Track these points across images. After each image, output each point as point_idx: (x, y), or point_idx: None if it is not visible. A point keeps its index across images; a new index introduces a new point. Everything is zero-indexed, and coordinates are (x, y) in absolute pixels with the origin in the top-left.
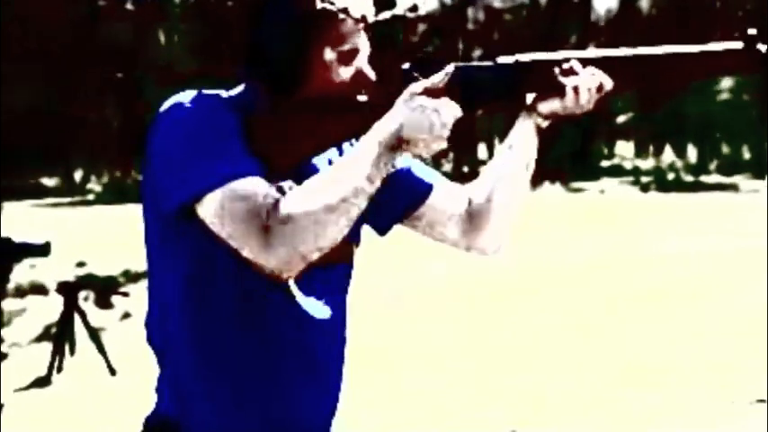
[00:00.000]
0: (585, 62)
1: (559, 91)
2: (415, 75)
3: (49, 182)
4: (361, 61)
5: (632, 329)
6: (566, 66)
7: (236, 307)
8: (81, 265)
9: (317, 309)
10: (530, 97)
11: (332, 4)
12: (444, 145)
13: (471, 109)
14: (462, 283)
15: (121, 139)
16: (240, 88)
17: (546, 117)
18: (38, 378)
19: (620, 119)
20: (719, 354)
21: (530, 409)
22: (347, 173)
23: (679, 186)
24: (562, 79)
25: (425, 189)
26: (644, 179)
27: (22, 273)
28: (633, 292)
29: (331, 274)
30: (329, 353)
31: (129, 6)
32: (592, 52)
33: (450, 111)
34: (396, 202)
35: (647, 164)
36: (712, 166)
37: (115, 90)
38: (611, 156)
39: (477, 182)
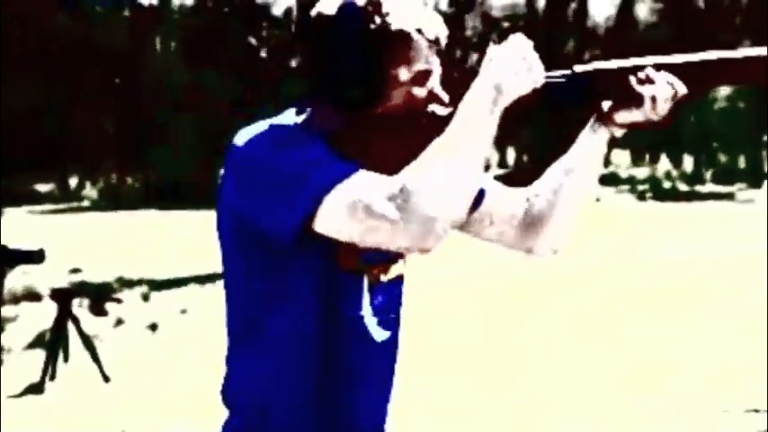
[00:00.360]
0: (657, 68)
1: (637, 100)
2: None
3: (44, 188)
4: (434, 82)
5: (632, 332)
6: (642, 74)
7: (316, 324)
8: (75, 271)
9: (382, 326)
10: (605, 105)
11: (407, 24)
12: (540, 79)
13: (551, 113)
14: (470, 286)
15: (117, 145)
16: (307, 111)
17: (621, 126)
18: (31, 385)
19: None
20: (718, 356)
21: (531, 414)
22: (465, 139)
23: (675, 195)
24: (639, 88)
25: (478, 195)
26: (640, 188)
27: (15, 279)
28: (632, 295)
29: (394, 289)
30: (389, 366)
31: (126, 13)
32: (665, 58)
33: (528, 48)
34: None
35: (643, 172)
36: (708, 175)
37: (112, 96)
38: (607, 164)
39: (539, 184)
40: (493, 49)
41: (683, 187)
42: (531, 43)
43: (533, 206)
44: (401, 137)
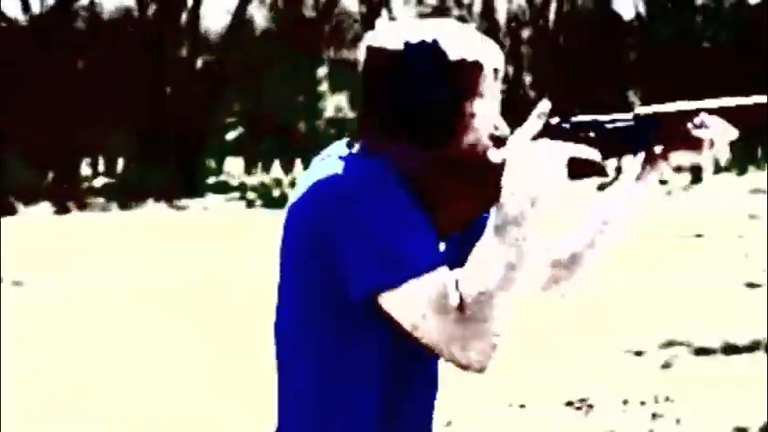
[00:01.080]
0: (710, 112)
1: (695, 144)
2: (565, 126)
3: None
4: (496, 112)
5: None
6: (698, 119)
7: (382, 387)
8: None
9: (432, 365)
10: (657, 148)
11: (476, 55)
12: (564, 187)
13: (606, 158)
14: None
15: None
16: (378, 152)
17: (675, 169)
18: None
19: (230, 135)
20: None
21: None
22: (504, 247)
23: (284, 202)
24: (698, 132)
25: None
26: (250, 195)
27: None
28: (236, 309)
29: None
30: (433, 399)
31: None
32: (717, 102)
33: (564, 151)
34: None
35: (256, 180)
36: None
37: None
38: (219, 172)
39: (578, 230)
40: (516, 149)
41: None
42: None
43: (569, 249)
44: (473, 180)
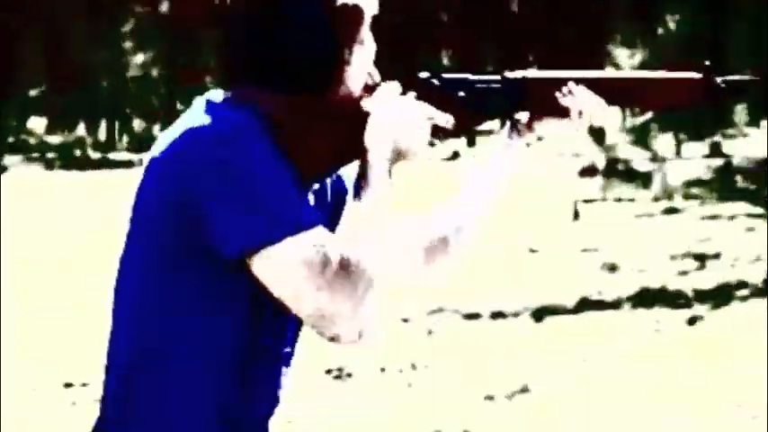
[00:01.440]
0: (581, 82)
1: (563, 113)
2: (434, 82)
3: None
4: (371, 61)
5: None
6: (567, 87)
7: (235, 355)
8: None
9: (288, 347)
10: (523, 115)
11: (359, 1)
12: (426, 149)
13: (473, 121)
14: None
15: None
16: (247, 95)
17: (540, 138)
18: None
19: (33, 92)
20: None
21: None
22: (381, 206)
23: (86, 163)
24: (566, 101)
25: None
26: (50, 155)
27: None
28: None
29: (292, 327)
30: (282, 381)
31: None
32: (594, 73)
33: (426, 112)
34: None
35: (58, 140)
36: (123, 143)
37: None
38: (21, 132)
39: (444, 204)
40: (375, 107)
41: (95, 155)
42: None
43: (438, 228)
44: (337, 130)
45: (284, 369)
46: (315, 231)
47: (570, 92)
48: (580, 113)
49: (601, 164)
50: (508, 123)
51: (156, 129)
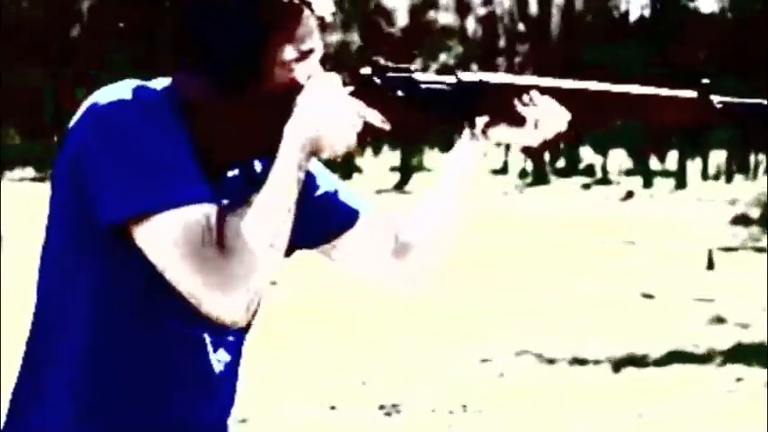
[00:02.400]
0: (542, 91)
1: (519, 121)
2: (375, 80)
3: None
4: (316, 63)
5: None
6: (527, 96)
7: (138, 333)
8: None
9: (221, 347)
10: (480, 120)
11: None
12: (352, 145)
13: (413, 121)
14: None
15: None
16: (173, 78)
17: (497, 144)
18: None
19: None
20: None
21: None
22: (277, 194)
23: None
24: (523, 109)
25: (352, 215)
26: None
27: None
28: None
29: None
30: (225, 373)
31: None
32: (554, 81)
33: (356, 109)
34: (318, 225)
35: None
36: None
37: None
38: None
39: (411, 212)
40: (304, 97)
41: None
42: (340, 81)
43: (402, 236)
44: (259, 121)
45: (221, 357)
46: (195, 207)
47: (531, 100)
48: (536, 124)
49: (755, 214)
50: (467, 129)
51: None
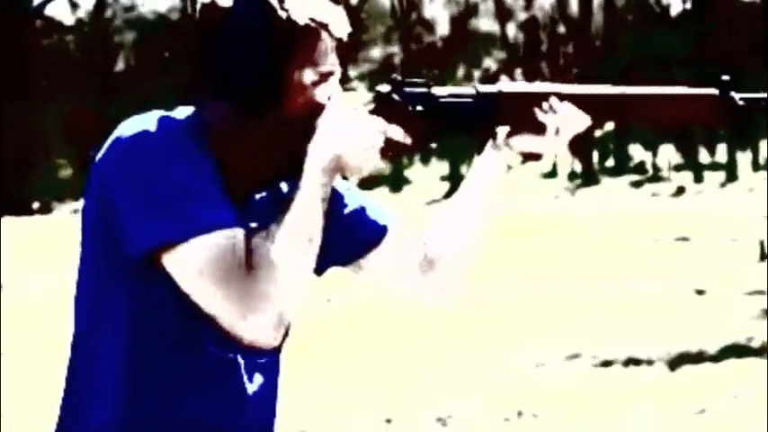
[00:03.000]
0: (561, 97)
1: (540, 129)
2: (394, 97)
3: None
4: (336, 84)
5: None
6: (546, 103)
7: (173, 358)
8: None
9: (254, 370)
10: (502, 130)
11: (313, 20)
12: (377, 164)
13: (435, 135)
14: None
15: None
16: (195, 108)
17: (519, 153)
18: None
19: None
20: None
21: None
22: (303, 216)
23: None
24: (544, 117)
25: (379, 231)
26: None
27: None
28: None
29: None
30: (261, 395)
31: None
32: (572, 88)
33: (378, 127)
34: (347, 243)
35: None
36: None
37: None
38: None
39: (437, 225)
40: (325, 118)
41: None
42: (360, 100)
43: (432, 248)
44: (292, 147)
45: (257, 379)
46: (221, 232)
47: (551, 107)
48: (557, 131)
49: None
50: (490, 141)
51: (384, 167)
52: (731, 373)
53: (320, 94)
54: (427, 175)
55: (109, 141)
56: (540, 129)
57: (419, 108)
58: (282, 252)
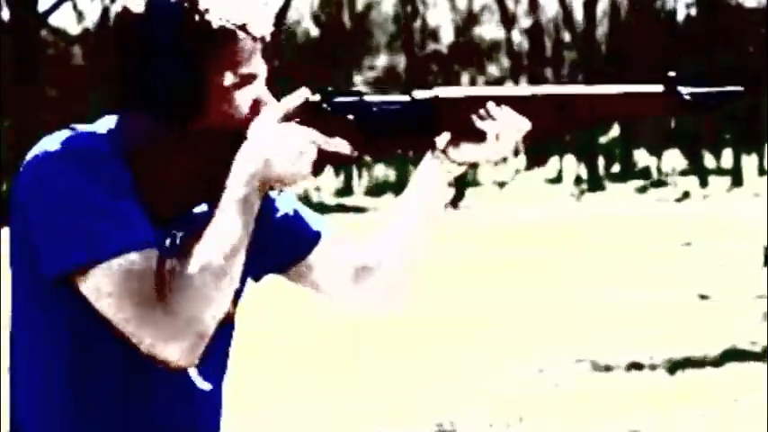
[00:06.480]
0: (500, 101)
1: (480, 136)
2: (325, 107)
3: None
4: (260, 87)
5: None
6: (484, 108)
7: (120, 380)
8: None
9: (202, 376)
10: (441, 139)
11: (229, 21)
12: (307, 175)
13: (370, 145)
14: None
15: None
16: (117, 120)
17: (460, 163)
18: None
19: None
20: None
21: None
22: (225, 230)
23: (322, 209)
24: (482, 123)
25: (313, 237)
26: None
27: None
28: None
29: (216, 340)
30: (209, 413)
31: None
32: (511, 90)
33: (309, 136)
34: (280, 250)
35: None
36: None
37: None
38: None
39: (374, 233)
40: (256, 128)
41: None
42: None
43: (364, 257)
44: (211, 166)
45: (196, 382)
46: (135, 255)
47: (488, 113)
48: (497, 136)
49: None
50: (429, 151)
51: (390, 174)
52: (732, 378)
53: (243, 97)
54: None
55: (27, 157)
56: (479, 136)
57: (350, 117)
58: (202, 270)
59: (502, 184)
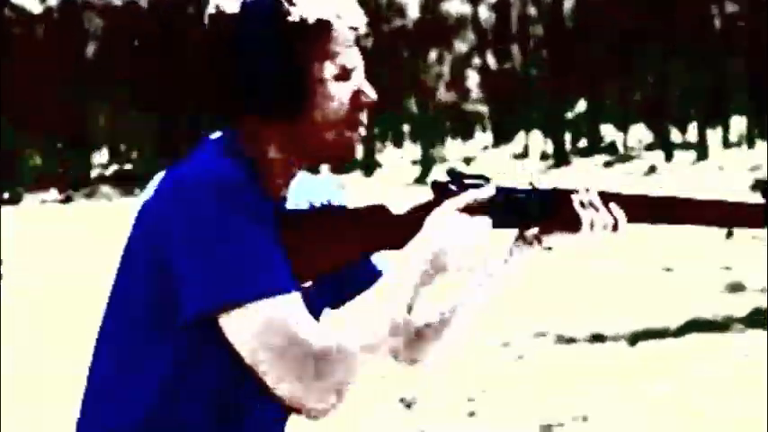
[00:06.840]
0: (605, 197)
1: (575, 223)
2: (452, 188)
3: None
4: (360, 78)
5: None
6: (586, 197)
7: (212, 414)
8: None
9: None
10: (538, 226)
11: (323, 12)
12: (473, 264)
13: (494, 227)
14: None
15: None
16: (232, 134)
17: (550, 248)
18: None
19: None
20: None
21: None
22: (388, 307)
23: None
24: (580, 210)
25: (377, 273)
26: None
27: None
28: None
29: None
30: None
31: None
32: (613, 190)
33: (484, 228)
34: (348, 284)
35: None
36: None
37: None
38: None
39: (432, 304)
40: (436, 217)
41: None
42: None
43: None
44: (342, 239)
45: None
46: (283, 298)
47: (582, 202)
48: (591, 225)
49: None
50: (521, 234)
51: None
52: (693, 348)
53: (344, 89)
54: (398, 158)
55: (162, 184)
56: (575, 223)
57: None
58: (364, 346)
59: (469, 160)
